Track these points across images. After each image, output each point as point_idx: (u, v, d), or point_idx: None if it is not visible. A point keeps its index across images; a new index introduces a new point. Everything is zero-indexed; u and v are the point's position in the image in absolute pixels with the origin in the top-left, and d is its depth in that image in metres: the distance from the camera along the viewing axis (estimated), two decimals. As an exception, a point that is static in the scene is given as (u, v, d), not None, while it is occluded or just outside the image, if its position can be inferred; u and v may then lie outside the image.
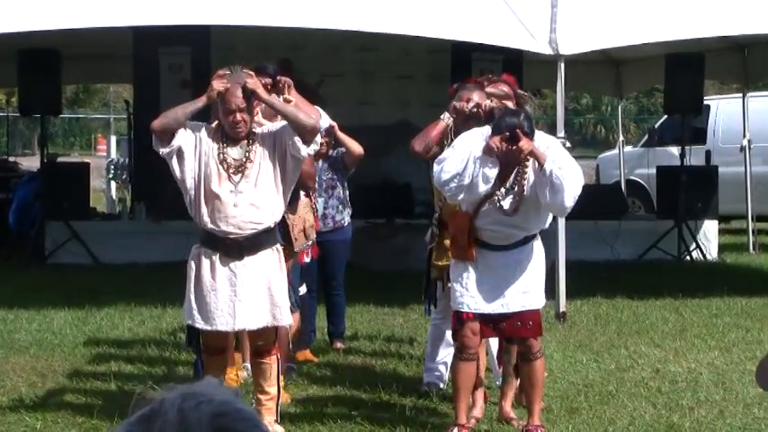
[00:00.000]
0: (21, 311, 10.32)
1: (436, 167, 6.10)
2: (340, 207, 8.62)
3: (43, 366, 8.27)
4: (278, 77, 6.96)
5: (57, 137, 34.32)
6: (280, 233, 6.52)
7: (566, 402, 7.23)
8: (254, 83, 6.16)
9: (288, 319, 6.33)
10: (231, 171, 6.08)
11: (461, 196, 6.15)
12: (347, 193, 8.72)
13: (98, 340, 9.26)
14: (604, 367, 8.35)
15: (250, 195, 6.09)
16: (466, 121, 6.64)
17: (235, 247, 6.09)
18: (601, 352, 8.89)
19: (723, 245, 16.01)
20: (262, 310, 6.15)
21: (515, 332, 6.35)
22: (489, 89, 6.84)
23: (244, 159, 6.11)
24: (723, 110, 18.86)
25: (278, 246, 6.27)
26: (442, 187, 6.15)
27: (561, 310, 10.11)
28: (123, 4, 10.74)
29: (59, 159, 16.55)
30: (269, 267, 6.15)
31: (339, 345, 9.01)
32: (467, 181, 6.04)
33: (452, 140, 6.68)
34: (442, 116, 6.77)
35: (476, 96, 6.68)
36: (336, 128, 8.30)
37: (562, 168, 6.05)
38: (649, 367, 8.37)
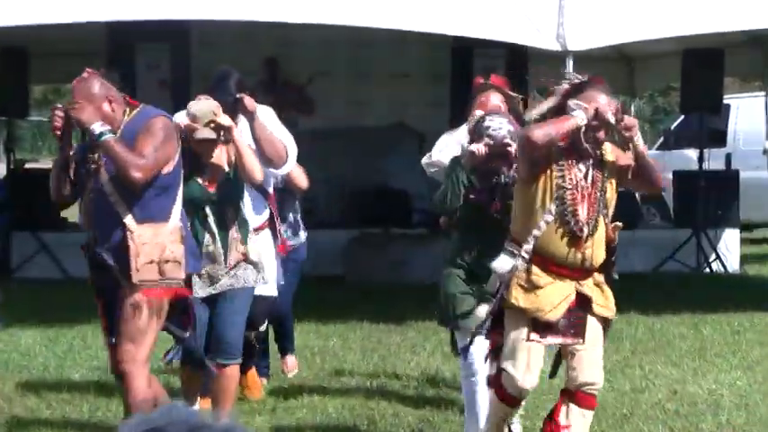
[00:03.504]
0: (-14, 330, 10.32)
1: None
2: (290, 232, 8.56)
3: (10, 389, 8.25)
4: (239, 96, 6.82)
5: (24, 141, 34.32)
6: (113, 256, 6.12)
7: (576, 427, 7.22)
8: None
9: None
10: None
11: None
12: (299, 215, 8.61)
13: (69, 361, 9.24)
14: (618, 388, 8.34)
15: None
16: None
17: None
18: (614, 371, 8.88)
19: (745, 255, 16.02)
20: None
21: None
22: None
23: None
24: (744, 109, 18.88)
25: None
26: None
27: (571, 327, 10.10)
28: (96, -2, 10.75)
29: (27, 165, 16.54)
30: None
31: (290, 363, 8.68)
32: None
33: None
34: (573, 113, 5.86)
35: (602, 99, 5.90)
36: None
37: None
38: (666, 388, 8.38)
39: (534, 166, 5.85)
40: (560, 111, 5.90)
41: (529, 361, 5.82)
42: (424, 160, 7.27)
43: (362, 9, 10.84)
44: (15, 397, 8.04)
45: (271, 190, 7.35)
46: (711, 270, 14.92)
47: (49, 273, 13.52)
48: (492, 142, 6.38)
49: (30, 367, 9.01)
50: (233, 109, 6.80)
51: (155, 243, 6.06)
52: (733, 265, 15.31)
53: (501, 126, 6.45)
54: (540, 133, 5.75)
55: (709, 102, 15.23)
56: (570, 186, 5.84)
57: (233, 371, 6.74)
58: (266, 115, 7.16)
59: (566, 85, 5.98)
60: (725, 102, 16.80)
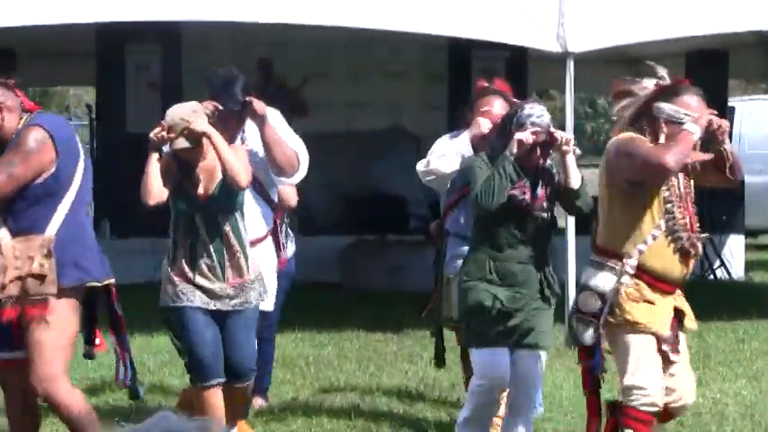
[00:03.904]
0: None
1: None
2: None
3: (-4, 400, 8.23)
4: (247, 99, 6.53)
5: (11, 145, 34.30)
6: None
7: (577, 437, 7.24)
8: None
9: None
10: None
11: None
12: (289, 228, 8.35)
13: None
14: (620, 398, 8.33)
15: None
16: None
17: None
18: (616, 381, 8.87)
19: (750, 262, 16.02)
20: None
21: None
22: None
23: None
24: (749, 112, 18.90)
25: None
26: None
27: (572, 335, 10.09)
28: (85, -1, 10.75)
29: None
30: None
31: (261, 402, 8.24)
32: None
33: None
34: (685, 126, 5.79)
35: (693, 102, 5.84)
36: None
37: None
38: (670, 398, 8.36)
39: (640, 183, 5.76)
40: (641, 115, 5.81)
41: (659, 375, 5.83)
42: (420, 167, 7.08)
43: (359, 9, 10.84)
44: None
45: (276, 199, 7.15)
46: (716, 277, 14.92)
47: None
48: (540, 129, 6.24)
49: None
50: (241, 115, 6.58)
51: (26, 257, 5.96)
52: (738, 271, 15.32)
53: (543, 113, 6.31)
54: (673, 159, 5.63)
55: (714, 104, 15.15)
56: (676, 199, 5.83)
57: (247, 386, 6.60)
58: (275, 119, 6.84)
59: (650, 88, 5.85)
60: (729, 104, 16.82)
